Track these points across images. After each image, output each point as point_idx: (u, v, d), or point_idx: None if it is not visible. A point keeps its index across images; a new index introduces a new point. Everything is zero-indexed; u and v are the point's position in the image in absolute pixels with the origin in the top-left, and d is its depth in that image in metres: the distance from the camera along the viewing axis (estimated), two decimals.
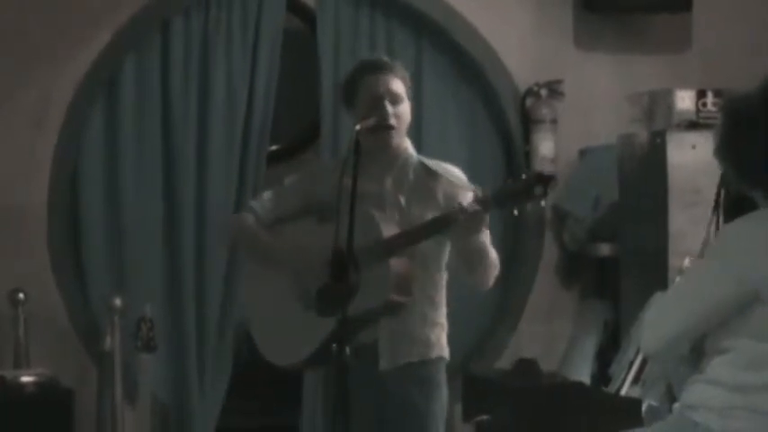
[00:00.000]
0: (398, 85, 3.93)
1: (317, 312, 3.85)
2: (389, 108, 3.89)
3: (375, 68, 3.98)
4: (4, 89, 5.48)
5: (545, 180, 3.63)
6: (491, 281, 3.95)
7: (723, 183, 3.24)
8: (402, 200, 3.93)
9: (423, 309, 3.93)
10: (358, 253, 3.54)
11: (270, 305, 4.03)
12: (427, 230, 3.81)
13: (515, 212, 3.71)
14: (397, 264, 3.78)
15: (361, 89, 3.95)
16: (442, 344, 4.00)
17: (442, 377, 4.00)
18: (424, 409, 3.94)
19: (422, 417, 3.94)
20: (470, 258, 3.87)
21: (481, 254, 3.86)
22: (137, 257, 5.62)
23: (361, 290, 3.56)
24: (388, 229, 3.81)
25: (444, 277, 4.00)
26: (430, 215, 3.86)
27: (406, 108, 3.94)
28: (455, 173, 3.98)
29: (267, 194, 4.12)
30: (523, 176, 3.71)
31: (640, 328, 3.27)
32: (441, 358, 4.00)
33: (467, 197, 3.80)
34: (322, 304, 3.83)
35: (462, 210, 3.70)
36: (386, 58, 4.10)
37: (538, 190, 3.62)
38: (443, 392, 4.00)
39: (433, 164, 3.98)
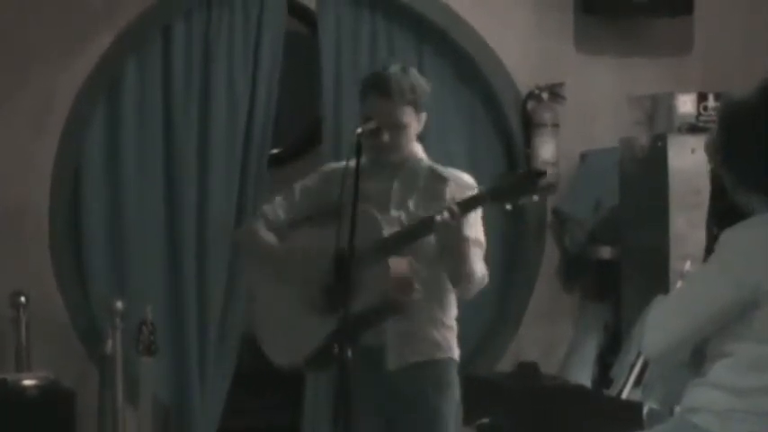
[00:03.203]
0: (401, 113, 3.89)
1: (324, 313, 3.87)
2: (386, 137, 3.88)
3: (381, 91, 3.91)
4: (4, 89, 5.47)
5: (538, 175, 3.68)
6: (469, 293, 3.96)
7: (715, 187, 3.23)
8: (410, 202, 3.94)
9: (430, 309, 3.93)
10: (360, 253, 3.55)
11: (275, 308, 4.05)
12: (410, 233, 3.82)
13: (508, 208, 3.71)
14: (396, 263, 3.78)
15: (366, 106, 3.95)
16: (450, 345, 3.99)
17: (453, 378, 3.99)
18: (435, 407, 3.93)
19: (433, 415, 3.94)
20: (448, 264, 3.87)
21: (458, 262, 3.85)
22: (138, 260, 5.62)
23: (363, 289, 3.56)
24: (392, 230, 3.82)
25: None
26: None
27: (408, 128, 3.91)
28: (464, 178, 3.99)
29: (279, 199, 4.14)
30: (519, 171, 3.75)
31: (641, 331, 3.27)
32: (450, 359, 3.99)
33: None
34: (326, 304, 3.85)
35: (433, 219, 3.71)
36: (397, 77, 3.93)
37: (531, 185, 3.65)
38: (455, 392, 3.99)
39: (443, 169, 4.00)
